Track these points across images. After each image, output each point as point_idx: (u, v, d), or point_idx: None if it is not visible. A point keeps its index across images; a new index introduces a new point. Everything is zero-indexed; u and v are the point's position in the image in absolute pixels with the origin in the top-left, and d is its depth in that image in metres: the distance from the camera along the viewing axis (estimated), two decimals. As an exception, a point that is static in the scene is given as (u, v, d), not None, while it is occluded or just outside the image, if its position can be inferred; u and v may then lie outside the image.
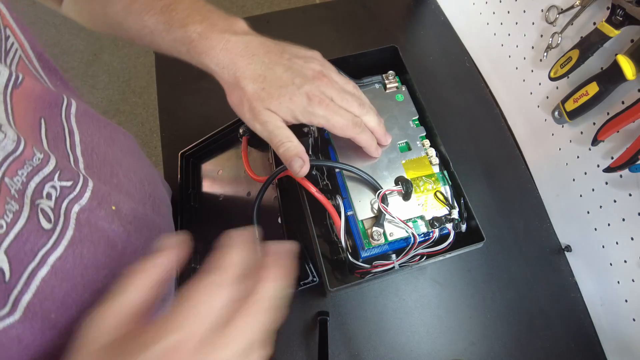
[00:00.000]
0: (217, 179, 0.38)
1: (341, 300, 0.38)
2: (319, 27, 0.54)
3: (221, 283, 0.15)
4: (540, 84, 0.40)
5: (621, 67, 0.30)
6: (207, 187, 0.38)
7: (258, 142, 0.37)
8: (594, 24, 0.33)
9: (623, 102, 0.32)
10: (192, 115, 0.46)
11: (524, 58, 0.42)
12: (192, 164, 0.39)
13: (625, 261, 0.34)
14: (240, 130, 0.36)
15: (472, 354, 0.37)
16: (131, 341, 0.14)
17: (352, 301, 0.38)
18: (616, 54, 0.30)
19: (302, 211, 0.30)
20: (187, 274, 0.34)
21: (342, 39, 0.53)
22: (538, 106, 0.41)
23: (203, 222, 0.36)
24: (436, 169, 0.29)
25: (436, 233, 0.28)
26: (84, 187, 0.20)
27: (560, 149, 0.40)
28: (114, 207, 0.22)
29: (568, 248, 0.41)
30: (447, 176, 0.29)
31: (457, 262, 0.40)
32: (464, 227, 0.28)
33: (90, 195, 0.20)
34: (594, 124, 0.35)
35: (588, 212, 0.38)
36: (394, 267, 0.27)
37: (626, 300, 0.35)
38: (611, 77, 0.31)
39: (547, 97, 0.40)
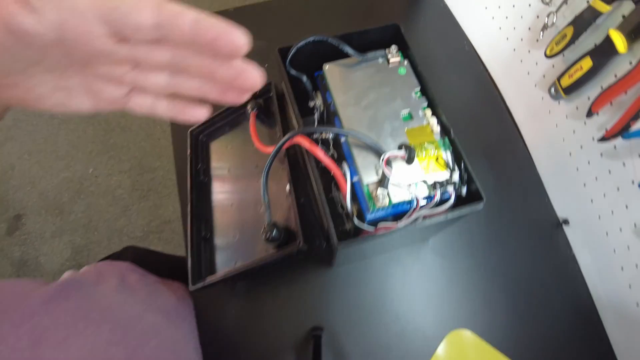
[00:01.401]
0: (225, 154, 0.40)
1: (346, 272, 0.40)
2: (319, 13, 0.56)
3: None
4: (537, 63, 0.42)
5: (613, 41, 0.31)
6: (216, 162, 0.39)
7: (266, 118, 0.39)
8: (587, 1, 0.34)
9: (616, 76, 0.33)
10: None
11: (521, 39, 0.43)
12: (200, 141, 0.41)
13: (620, 229, 0.36)
14: (249, 107, 0.38)
15: (475, 324, 0.39)
16: None
17: (356, 272, 0.40)
18: (609, 30, 0.31)
19: (309, 181, 0.32)
20: (198, 243, 0.35)
21: (343, 27, 0.55)
22: (535, 85, 0.43)
23: (212, 195, 0.38)
24: (437, 137, 0.30)
25: (438, 195, 0.29)
26: None
27: (556, 125, 0.41)
28: None
29: (566, 222, 0.42)
30: (447, 142, 0.30)
31: (457, 235, 0.42)
32: (464, 189, 0.29)
33: None
34: (589, 98, 0.36)
35: (584, 185, 0.39)
36: (398, 227, 0.28)
37: (622, 268, 0.36)
38: (604, 51, 0.33)
39: (544, 76, 0.41)
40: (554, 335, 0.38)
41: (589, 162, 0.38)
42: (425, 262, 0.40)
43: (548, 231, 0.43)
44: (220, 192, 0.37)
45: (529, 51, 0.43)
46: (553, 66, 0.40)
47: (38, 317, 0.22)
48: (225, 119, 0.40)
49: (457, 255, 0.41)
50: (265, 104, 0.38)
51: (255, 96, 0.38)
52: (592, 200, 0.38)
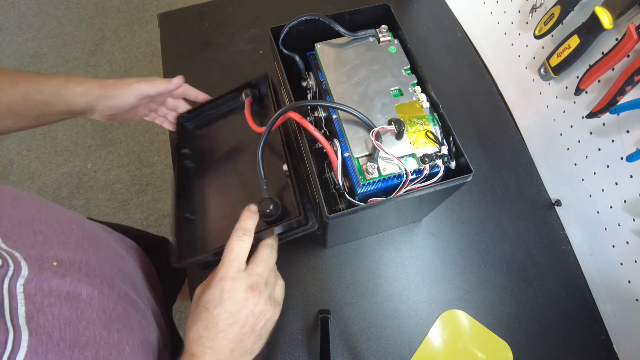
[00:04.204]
0: (215, 140, 0.40)
1: (340, 252, 0.40)
2: None
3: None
4: (527, 45, 0.42)
5: (599, 17, 0.32)
6: (205, 147, 0.40)
7: (260, 109, 0.39)
8: (574, -20, 0.35)
9: (602, 53, 0.34)
10: (196, 84, 0.48)
11: (512, 23, 0.44)
12: (186, 127, 0.41)
13: (611, 207, 0.36)
14: (243, 94, 0.38)
15: (468, 302, 0.39)
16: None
17: (350, 252, 0.40)
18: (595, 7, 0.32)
19: (301, 161, 0.32)
20: (182, 224, 0.35)
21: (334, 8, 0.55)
22: (526, 67, 0.43)
23: (201, 179, 0.38)
24: (427, 112, 0.31)
25: (427, 169, 0.29)
26: (15, 260, 0.20)
27: (547, 106, 0.41)
28: (55, 263, 0.22)
29: (558, 202, 0.43)
30: (436, 117, 0.31)
31: (450, 214, 0.42)
32: (453, 163, 0.29)
33: (26, 264, 0.20)
34: (577, 77, 0.37)
35: (575, 164, 0.39)
36: (388, 199, 0.28)
37: (613, 246, 0.37)
38: (590, 28, 0.33)
39: (534, 58, 0.42)
40: (547, 314, 0.39)
41: (579, 141, 0.38)
42: (418, 242, 0.41)
43: (540, 211, 0.43)
44: (209, 176, 0.38)
45: (519, 34, 0.43)
46: (542, 47, 0.40)
47: (7, 195, 0.24)
48: (215, 108, 0.41)
49: (450, 235, 0.41)
50: (260, 94, 0.39)
51: (250, 85, 0.39)
52: (582, 179, 0.39)
